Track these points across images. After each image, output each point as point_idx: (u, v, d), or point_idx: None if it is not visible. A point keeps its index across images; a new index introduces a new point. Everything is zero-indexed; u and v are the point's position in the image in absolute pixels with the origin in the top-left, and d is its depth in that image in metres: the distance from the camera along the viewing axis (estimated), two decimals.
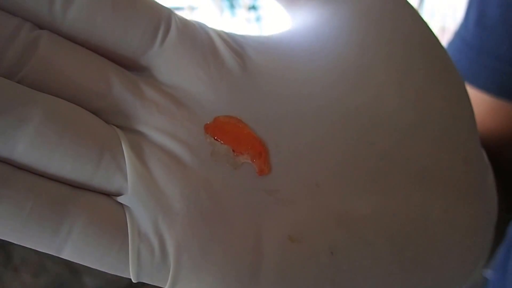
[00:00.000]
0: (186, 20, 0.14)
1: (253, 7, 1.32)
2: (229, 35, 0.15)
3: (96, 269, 0.12)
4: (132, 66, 0.13)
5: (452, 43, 0.33)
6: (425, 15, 1.73)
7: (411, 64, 0.14)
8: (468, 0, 0.32)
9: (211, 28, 0.15)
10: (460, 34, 0.32)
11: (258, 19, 1.35)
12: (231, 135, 0.13)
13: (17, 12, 0.12)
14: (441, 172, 0.14)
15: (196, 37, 0.14)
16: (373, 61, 0.14)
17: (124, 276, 0.12)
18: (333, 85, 0.14)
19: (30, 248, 0.12)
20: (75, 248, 0.12)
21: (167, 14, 0.13)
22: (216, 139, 0.13)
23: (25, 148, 0.11)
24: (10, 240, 0.12)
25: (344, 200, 0.13)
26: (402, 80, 0.13)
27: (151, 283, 0.13)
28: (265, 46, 0.15)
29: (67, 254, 0.12)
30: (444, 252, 0.14)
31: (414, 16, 0.15)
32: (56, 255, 0.12)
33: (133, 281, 0.12)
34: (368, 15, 0.14)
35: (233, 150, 0.13)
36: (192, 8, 1.09)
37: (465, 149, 0.14)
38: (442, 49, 0.15)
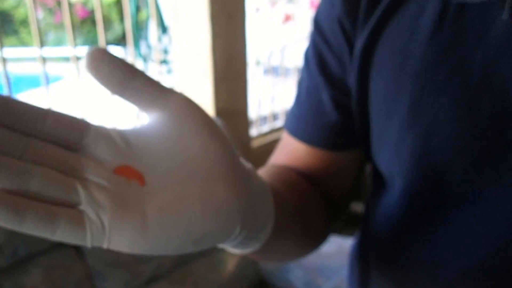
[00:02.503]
0: (96, 125, 0.27)
1: (164, 61, 1.45)
2: (119, 130, 0.28)
3: None
4: (79, 147, 0.26)
5: (289, 113, 0.50)
6: None
7: (209, 155, 0.28)
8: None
9: (110, 128, 0.27)
10: (292, 108, 0.49)
11: (169, 71, 1.48)
12: (126, 173, 0.26)
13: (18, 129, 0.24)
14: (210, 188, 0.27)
15: (102, 133, 0.27)
16: (188, 146, 0.28)
17: (85, 244, 0.25)
18: (173, 156, 0.28)
19: None
20: (61, 232, 0.23)
21: (87, 124, 0.26)
22: (119, 175, 0.26)
23: (33, 189, 0.24)
24: (30, 232, 0.23)
25: (172, 192, 0.27)
26: (206, 157, 0.28)
27: (99, 245, 0.25)
28: (137, 133, 0.28)
29: (57, 237, 0.24)
30: (215, 211, 0.27)
31: (213, 128, 0.29)
32: (51, 238, 0.24)
33: (88, 246, 0.26)
34: (185, 126, 0.28)
35: (128, 178, 0.26)
36: None
37: (224, 179, 0.28)
38: (228, 142, 0.29)
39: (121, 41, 5.24)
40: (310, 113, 0.45)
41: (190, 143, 0.28)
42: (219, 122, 1.31)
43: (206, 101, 1.37)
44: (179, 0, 1.32)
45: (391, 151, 0.39)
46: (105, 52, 0.26)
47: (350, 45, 0.40)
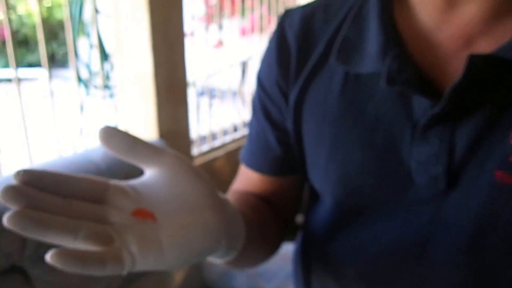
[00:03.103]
0: (113, 181, 0.36)
1: (107, 87, 1.51)
2: (128, 183, 0.37)
3: None
4: (103, 200, 0.35)
5: (243, 150, 0.63)
6: None
7: (197, 193, 0.38)
8: None
9: (122, 182, 0.36)
10: (246, 145, 0.62)
11: (111, 95, 1.54)
12: (141, 214, 0.35)
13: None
14: (202, 218, 0.37)
15: (118, 186, 0.36)
16: (181, 187, 0.37)
17: (122, 272, 0.32)
18: (171, 196, 0.37)
19: None
20: (109, 269, 0.31)
21: (107, 182, 0.35)
22: (136, 216, 0.35)
23: (82, 238, 0.31)
24: (86, 272, 0.30)
25: (176, 222, 0.36)
26: (195, 193, 0.38)
27: (130, 271, 0.33)
28: (142, 183, 0.37)
29: (105, 272, 0.31)
30: (208, 231, 0.37)
31: (197, 173, 0.39)
32: (100, 274, 0.30)
33: (124, 274, 0.32)
34: (177, 175, 0.38)
35: (142, 218, 0.35)
36: (49, 81, 1.23)
37: (207, 213, 0.38)
38: (208, 181, 0.39)
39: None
40: (260, 149, 0.59)
41: (182, 185, 0.37)
42: (162, 143, 1.39)
43: (149, 124, 1.45)
44: (122, 29, 1.40)
45: (321, 175, 0.53)
46: (113, 129, 0.35)
47: (286, 99, 0.54)
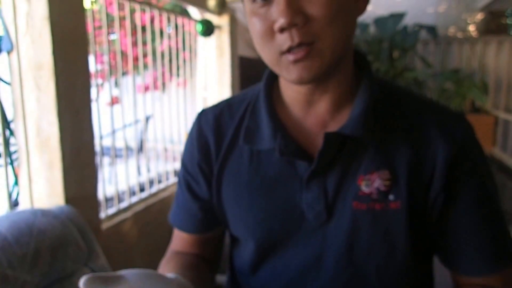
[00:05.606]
0: None
1: (8, 153, 1.45)
2: None
3: None
4: None
5: (173, 215, 0.81)
6: None
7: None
8: None
9: None
10: (175, 211, 0.81)
11: (11, 162, 1.48)
12: None
13: None
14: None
15: None
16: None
17: None
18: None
19: None
20: None
21: None
22: None
23: None
24: None
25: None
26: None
27: None
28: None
29: None
30: None
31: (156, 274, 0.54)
32: None
33: None
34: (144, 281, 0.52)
35: None
36: None
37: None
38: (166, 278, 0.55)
39: None
40: (187, 215, 0.79)
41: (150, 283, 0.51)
42: (69, 209, 1.37)
43: (55, 190, 1.42)
44: (25, 97, 1.38)
45: (242, 225, 0.72)
46: (90, 278, 0.46)
47: (207, 178, 0.75)
